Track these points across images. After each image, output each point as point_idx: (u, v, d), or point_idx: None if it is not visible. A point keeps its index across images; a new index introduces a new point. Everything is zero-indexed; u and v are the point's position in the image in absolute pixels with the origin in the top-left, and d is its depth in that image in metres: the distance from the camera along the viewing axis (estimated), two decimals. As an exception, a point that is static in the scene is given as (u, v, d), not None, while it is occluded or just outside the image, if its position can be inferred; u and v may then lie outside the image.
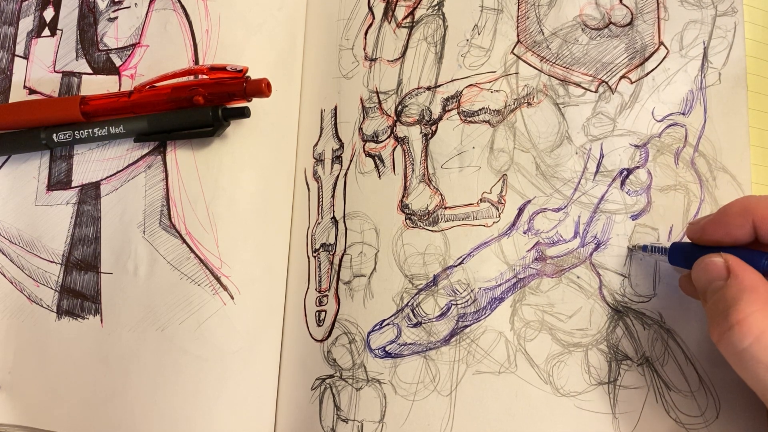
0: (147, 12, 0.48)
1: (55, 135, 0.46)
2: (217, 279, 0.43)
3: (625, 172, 0.38)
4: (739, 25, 0.38)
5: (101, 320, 0.45)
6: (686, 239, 0.35)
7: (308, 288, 0.43)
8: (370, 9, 0.45)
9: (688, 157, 0.38)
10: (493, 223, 0.40)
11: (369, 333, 0.41)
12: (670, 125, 0.38)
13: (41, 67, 0.50)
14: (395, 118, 0.43)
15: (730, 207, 0.31)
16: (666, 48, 0.39)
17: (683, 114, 0.38)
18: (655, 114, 0.38)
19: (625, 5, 0.40)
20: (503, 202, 0.40)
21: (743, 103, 0.37)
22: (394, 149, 0.43)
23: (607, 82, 0.39)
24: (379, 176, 0.43)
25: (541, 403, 0.37)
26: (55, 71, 0.50)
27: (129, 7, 0.49)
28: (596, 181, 0.39)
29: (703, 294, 0.31)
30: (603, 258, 0.38)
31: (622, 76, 0.39)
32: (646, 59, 0.39)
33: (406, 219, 0.41)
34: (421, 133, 0.42)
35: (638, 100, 0.39)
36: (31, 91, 0.50)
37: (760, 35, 0.38)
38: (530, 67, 0.41)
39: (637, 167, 0.38)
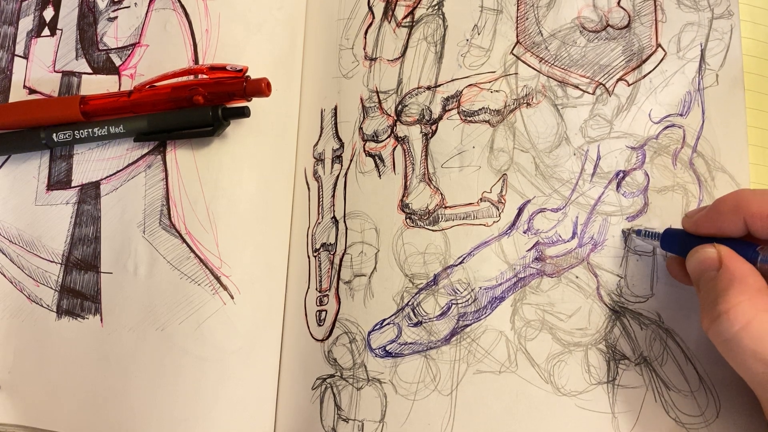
0: (147, 12, 0.48)
1: (55, 135, 0.46)
2: (217, 279, 0.43)
3: (621, 174, 0.38)
4: (736, 27, 0.39)
5: (101, 320, 0.44)
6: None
7: (308, 288, 0.43)
8: (370, 8, 0.46)
9: (687, 158, 0.38)
10: (494, 222, 0.40)
11: (369, 332, 0.41)
12: (668, 126, 0.38)
13: (41, 67, 0.50)
14: (395, 118, 0.43)
15: (722, 203, 0.32)
16: (663, 50, 0.39)
17: (681, 115, 0.38)
18: (653, 116, 0.39)
19: (622, 8, 0.40)
20: (503, 201, 0.40)
21: (741, 104, 0.38)
22: (394, 149, 0.43)
23: (604, 85, 0.40)
24: (380, 176, 0.43)
25: (541, 402, 0.37)
26: (54, 71, 0.50)
27: (129, 6, 0.49)
28: (593, 182, 0.39)
29: (697, 284, 0.31)
30: (600, 259, 0.38)
31: (619, 79, 0.39)
32: (644, 61, 0.39)
33: (406, 218, 0.42)
34: (421, 132, 0.42)
35: (635, 103, 0.39)
36: (31, 91, 0.50)
37: (758, 34, 0.39)
38: (529, 67, 0.41)
39: (634, 169, 0.38)
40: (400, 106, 0.43)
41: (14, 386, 0.45)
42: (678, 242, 0.34)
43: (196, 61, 0.46)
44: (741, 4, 0.39)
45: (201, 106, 0.43)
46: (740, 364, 0.29)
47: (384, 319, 0.41)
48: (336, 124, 0.45)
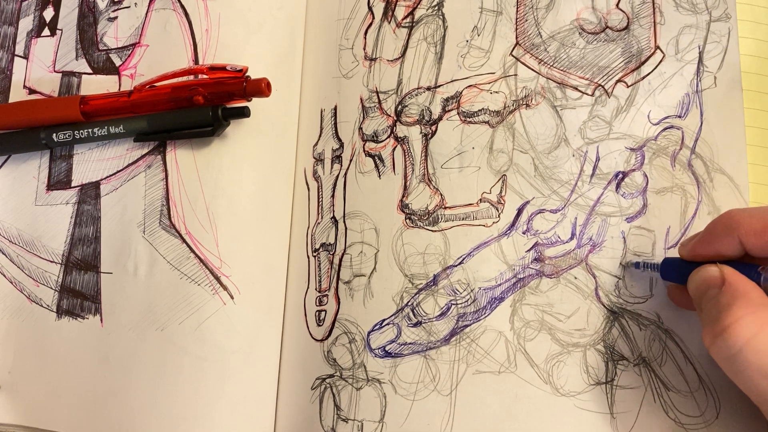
0: (147, 12, 0.48)
1: (54, 135, 0.46)
2: (217, 279, 0.43)
3: (620, 175, 0.39)
4: (733, 30, 0.39)
5: (101, 320, 0.44)
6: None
7: (308, 288, 0.43)
8: (370, 9, 0.46)
9: (685, 159, 0.38)
10: (493, 223, 0.40)
11: (369, 333, 0.41)
12: (667, 128, 0.39)
13: (41, 67, 0.50)
14: (395, 118, 0.43)
15: (715, 225, 0.31)
16: (662, 52, 0.39)
17: (679, 117, 0.38)
18: (651, 117, 0.39)
19: (621, 10, 0.40)
20: (503, 202, 0.40)
21: (739, 106, 0.38)
22: (394, 149, 0.43)
23: (603, 86, 0.40)
24: (379, 176, 0.43)
25: (540, 402, 0.37)
26: (54, 71, 0.50)
27: (129, 6, 0.49)
28: (592, 183, 0.39)
29: (698, 304, 0.31)
30: (598, 260, 0.38)
31: (618, 80, 0.40)
32: (642, 63, 0.39)
33: (406, 219, 0.42)
34: (421, 133, 0.42)
35: (634, 104, 0.39)
36: (31, 91, 0.50)
37: (757, 33, 0.39)
38: (528, 69, 0.41)
39: (633, 170, 0.38)
40: (399, 107, 0.43)
41: (14, 386, 0.45)
42: (677, 270, 0.34)
43: (196, 61, 0.46)
44: (740, 4, 0.39)
45: (201, 106, 0.43)
46: (745, 380, 0.28)
47: (383, 320, 0.41)
48: (336, 124, 0.45)
